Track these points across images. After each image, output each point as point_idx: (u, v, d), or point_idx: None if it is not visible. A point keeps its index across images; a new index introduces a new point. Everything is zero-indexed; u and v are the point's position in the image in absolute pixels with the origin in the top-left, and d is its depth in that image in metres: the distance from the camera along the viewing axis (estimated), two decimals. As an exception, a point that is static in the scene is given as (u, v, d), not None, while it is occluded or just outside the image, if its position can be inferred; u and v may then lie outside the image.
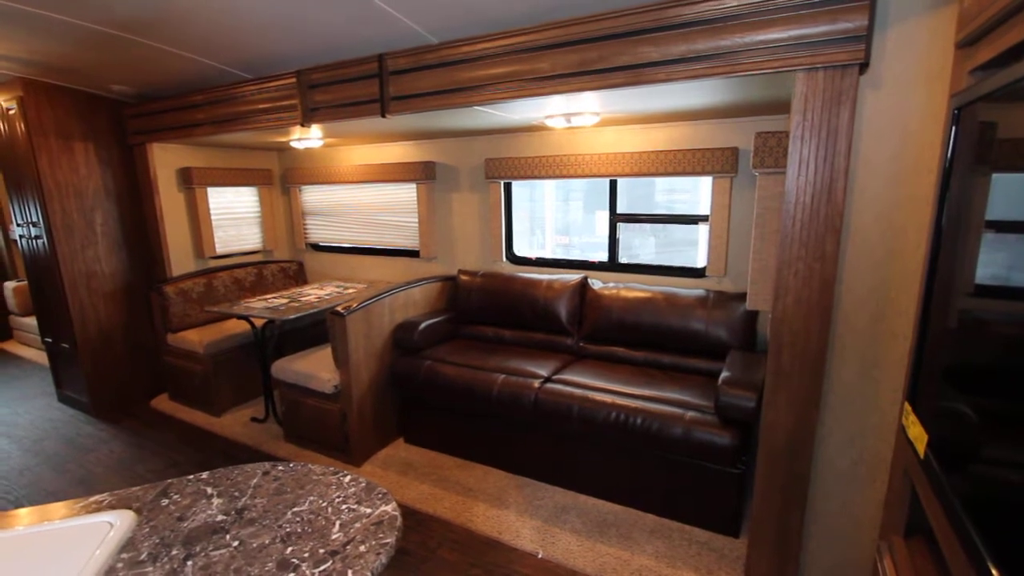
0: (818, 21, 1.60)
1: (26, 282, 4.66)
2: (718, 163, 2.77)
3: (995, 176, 0.89)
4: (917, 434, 1.05)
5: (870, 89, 1.65)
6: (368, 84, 2.57)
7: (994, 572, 0.71)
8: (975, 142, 0.96)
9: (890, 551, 1.22)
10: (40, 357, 4.96)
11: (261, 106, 2.98)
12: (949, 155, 1.02)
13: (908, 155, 1.63)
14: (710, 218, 2.90)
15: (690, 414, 2.32)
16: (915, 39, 1.56)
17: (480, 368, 2.91)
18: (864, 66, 1.61)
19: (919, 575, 1.07)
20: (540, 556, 2.25)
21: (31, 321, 5.17)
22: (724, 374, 2.31)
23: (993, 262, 0.90)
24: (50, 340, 3.87)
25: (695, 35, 1.80)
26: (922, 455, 1.01)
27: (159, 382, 4.02)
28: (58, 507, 1.21)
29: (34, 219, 3.50)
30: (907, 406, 1.14)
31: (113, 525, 1.11)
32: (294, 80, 2.80)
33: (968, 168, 0.99)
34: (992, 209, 0.89)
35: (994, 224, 0.89)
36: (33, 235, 3.57)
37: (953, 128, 1.00)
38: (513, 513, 2.53)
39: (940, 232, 1.05)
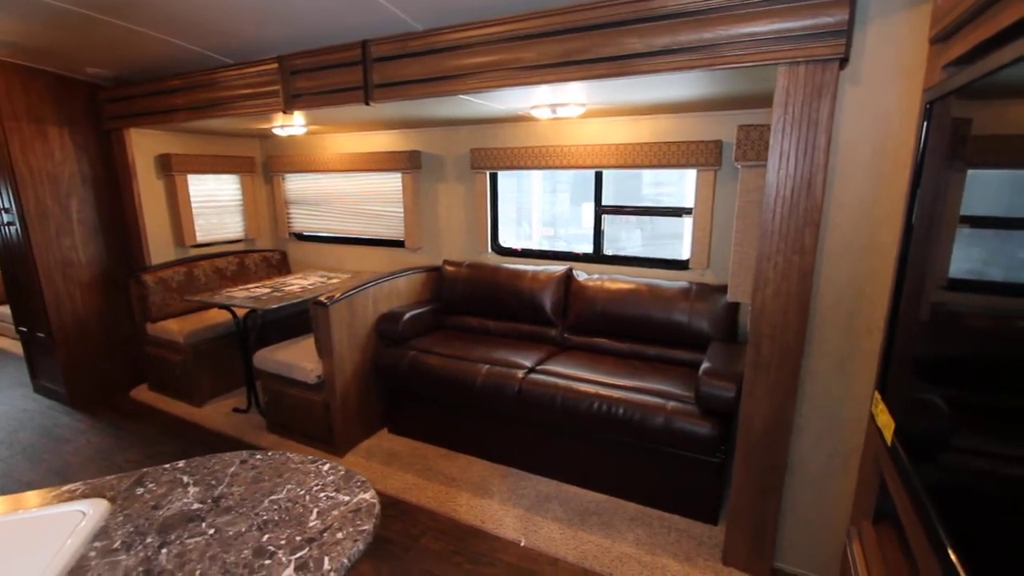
0: (800, 15, 1.62)
1: (-1, 270, 4.55)
2: (702, 156, 2.79)
3: (969, 172, 0.91)
4: (885, 422, 1.07)
5: (850, 84, 1.67)
6: (351, 71, 2.54)
7: (952, 556, 0.74)
8: (947, 137, 0.98)
9: (859, 535, 1.25)
10: (14, 347, 4.85)
11: (242, 92, 2.93)
12: (921, 149, 1.03)
13: (886, 149, 1.66)
14: (694, 210, 2.92)
15: (671, 404, 2.35)
16: (893, 35, 1.58)
17: (464, 359, 2.91)
18: (844, 61, 1.63)
19: (886, 559, 1.10)
20: (523, 544, 2.27)
21: (4, 310, 5.04)
22: (705, 365, 2.34)
23: (966, 257, 0.91)
24: (25, 330, 3.78)
25: (679, 27, 1.80)
26: (889, 442, 1.03)
27: (138, 372, 3.96)
28: (30, 496, 1.20)
29: (6, 206, 3.40)
30: (876, 394, 1.17)
31: (86, 514, 1.09)
32: (276, 66, 2.75)
33: (941, 163, 1.01)
34: (968, 204, 0.91)
35: (969, 219, 0.91)
36: (5, 222, 3.47)
37: (925, 123, 1.02)
38: (496, 502, 2.55)
39: (911, 226, 1.07)
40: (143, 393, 3.90)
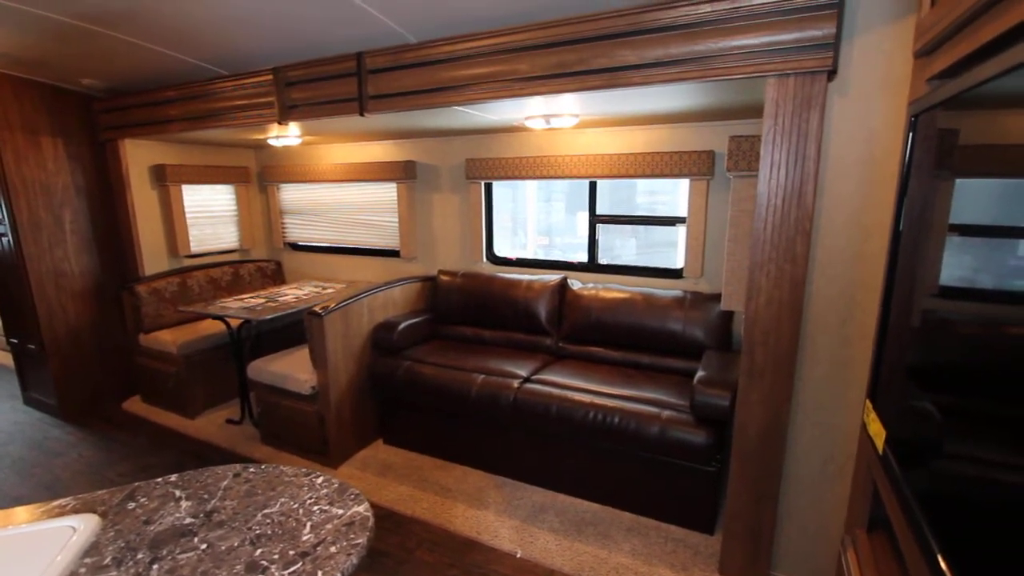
0: (789, 29, 1.64)
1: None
2: (695, 166, 2.81)
3: (957, 181, 0.93)
4: (876, 430, 1.08)
5: (838, 95, 1.70)
6: (346, 82, 2.55)
7: (942, 564, 0.74)
8: (933, 148, 0.99)
9: (853, 544, 1.25)
10: (4, 359, 4.79)
11: (237, 103, 2.94)
12: (907, 160, 1.05)
13: (874, 160, 1.68)
14: (687, 220, 2.94)
15: (666, 413, 2.35)
16: (880, 48, 1.61)
17: (459, 368, 2.91)
18: (832, 73, 1.65)
19: (879, 567, 1.10)
20: (519, 556, 2.25)
21: (-4, 321, 5.00)
22: (699, 374, 2.35)
23: (956, 264, 0.93)
24: (16, 341, 3.75)
25: (671, 39, 1.83)
26: (880, 451, 1.04)
27: (131, 384, 3.93)
28: (19, 511, 1.18)
29: (-2, 216, 3.39)
30: (868, 403, 1.18)
31: (76, 529, 1.08)
32: (271, 77, 2.76)
33: (926, 173, 1.02)
34: (956, 213, 0.92)
35: (957, 227, 0.92)
36: (-2, 232, 3.46)
37: (910, 134, 1.04)
38: (492, 513, 2.53)
39: (898, 236, 1.08)
40: (135, 405, 3.86)
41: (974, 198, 0.90)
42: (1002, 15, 0.74)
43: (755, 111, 2.45)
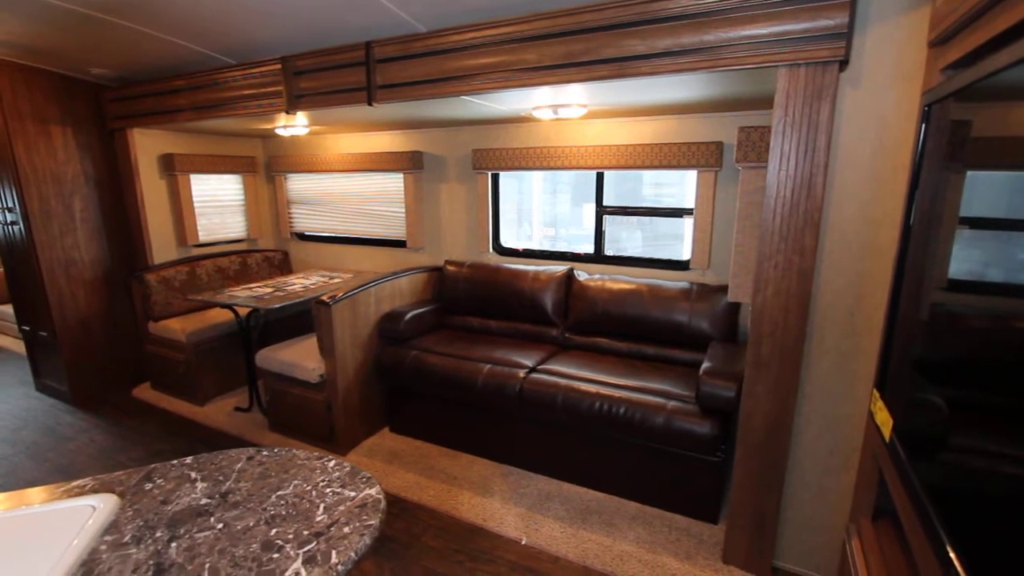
0: (800, 18, 1.63)
1: (1, 269, 4.56)
2: (703, 157, 2.80)
3: (969, 173, 0.93)
4: (884, 419, 1.09)
5: (849, 86, 1.69)
6: (355, 72, 2.55)
7: (951, 553, 0.75)
8: (946, 138, 0.99)
9: (858, 532, 1.26)
10: (17, 346, 4.86)
11: (245, 92, 2.94)
12: (919, 151, 1.05)
13: (885, 151, 1.67)
14: (695, 211, 2.94)
15: (672, 404, 2.36)
16: (893, 38, 1.60)
17: (466, 358, 2.93)
18: (844, 63, 1.64)
19: (885, 555, 1.12)
20: (524, 543, 2.28)
21: (7, 309, 5.06)
22: (705, 364, 2.36)
23: (965, 258, 0.93)
24: (28, 328, 3.80)
25: (680, 29, 1.82)
26: (888, 439, 1.05)
27: (141, 371, 3.98)
28: (38, 491, 1.21)
29: (10, 205, 3.42)
30: (875, 392, 1.18)
31: (96, 508, 1.11)
32: (279, 66, 2.77)
33: (940, 164, 1.02)
34: (967, 206, 0.91)
35: (968, 220, 0.92)
36: (9, 221, 3.49)
37: (923, 125, 1.03)
38: (498, 501, 2.56)
39: (909, 227, 1.08)
40: (145, 392, 3.91)
41: (985, 191, 0.90)
42: (1018, 3, 0.73)
43: (765, 102, 2.44)
